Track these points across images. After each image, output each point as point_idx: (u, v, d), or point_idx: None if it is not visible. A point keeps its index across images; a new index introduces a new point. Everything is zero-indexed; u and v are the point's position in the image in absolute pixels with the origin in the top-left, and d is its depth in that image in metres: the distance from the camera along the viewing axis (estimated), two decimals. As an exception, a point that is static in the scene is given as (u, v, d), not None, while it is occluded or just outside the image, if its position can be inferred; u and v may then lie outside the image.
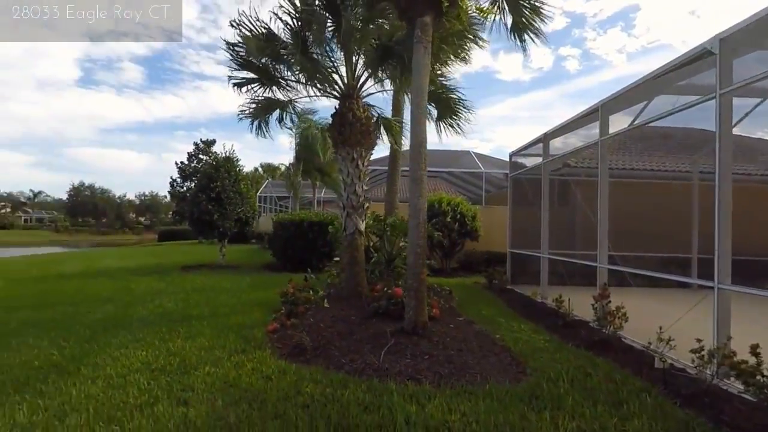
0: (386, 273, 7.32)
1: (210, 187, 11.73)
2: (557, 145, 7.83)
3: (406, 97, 9.04)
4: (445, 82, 7.43)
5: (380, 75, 7.45)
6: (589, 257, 6.14)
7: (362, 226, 6.91)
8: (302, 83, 7.64)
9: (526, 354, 4.13)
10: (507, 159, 10.02)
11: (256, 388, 3.22)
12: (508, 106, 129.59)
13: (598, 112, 5.78)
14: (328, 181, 21.62)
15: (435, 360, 3.79)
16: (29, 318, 6.09)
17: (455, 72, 7.01)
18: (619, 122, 6.03)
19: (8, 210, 74.79)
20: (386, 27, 6.85)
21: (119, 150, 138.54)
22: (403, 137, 8.29)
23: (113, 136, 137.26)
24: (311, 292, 5.60)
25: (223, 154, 13.01)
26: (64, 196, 77.69)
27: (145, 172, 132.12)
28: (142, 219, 79.95)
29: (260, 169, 54.13)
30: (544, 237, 7.49)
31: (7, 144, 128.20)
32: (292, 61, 6.94)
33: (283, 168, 33.54)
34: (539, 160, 8.05)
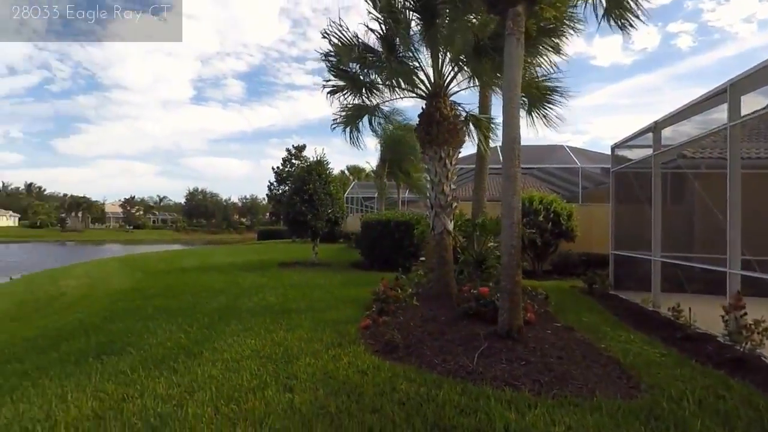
0: (475, 274, 7.15)
1: (303, 190, 12.53)
2: (667, 134, 6.94)
3: (493, 92, 8.76)
4: (537, 74, 7.04)
5: (468, 72, 7.31)
6: (714, 261, 5.34)
7: (450, 226, 6.84)
8: (389, 86, 7.80)
9: (639, 368, 3.72)
10: (604, 152, 9.19)
11: (353, 382, 3.35)
12: (605, 93, 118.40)
13: (726, 93, 5.00)
14: (411, 181, 21.80)
15: (533, 367, 3.60)
16: (161, 305, 7.08)
17: (547, 61, 6.56)
18: (750, 104, 5.15)
19: (141, 212, 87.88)
20: (474, 22, 6.69)
21: (224, 158, 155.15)
22: (491, 134, 8.02)
23: (219, 146, 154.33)
24: (400, 291, 5.67)
25: (315, 158, 13.83)
26: (182, 200, 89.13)
27: (245, 178, 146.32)
28: (243, 220, 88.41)
29: (346, 171, 56.48)
30: (656, 238, 6.69)
31: (140, 157, 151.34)
32: (381, 65, 7.12)
33: (368, 169, 34.57)
34: (647, 152, 7.21)
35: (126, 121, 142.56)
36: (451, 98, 7.36)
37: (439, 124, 6.86)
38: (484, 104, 9.68)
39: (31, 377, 3.75)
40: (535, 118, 7.36)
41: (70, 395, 3.24)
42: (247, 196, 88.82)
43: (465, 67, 7.19)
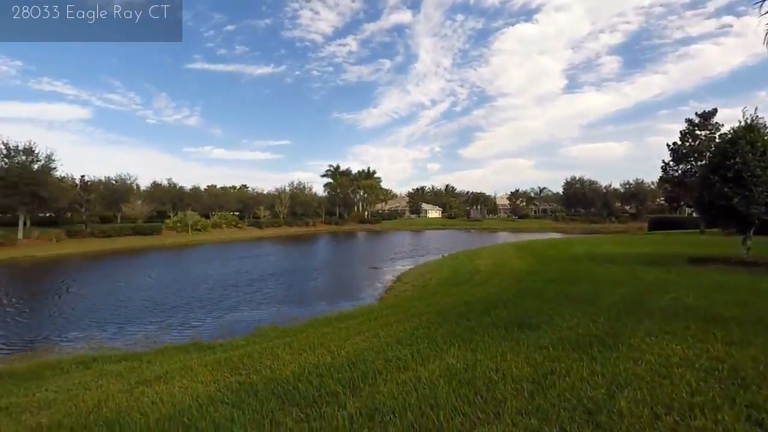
0: None
1: (725, 166, 9.72)
2: None
3: None
4: None
5: None
6: None
7: None
8: None
9: None
10: None
11: None
12: None
13: None
14: None
15: None
16: (559, 290, 7.41)
17: None
18: None
19: (524, 203, 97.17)
20: None
21: (600, 143, 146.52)
22: None
23: (593, 131, 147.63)
24: None
25: (741, 123, 10.41)
26: (560, 190, 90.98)
27: (625, 160, 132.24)
28: (627, 207, 79.86)
29: (789, 133, 39.31)
30: None
31: (520, 153, 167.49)
32: None
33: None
34: None
35: (509, 123, 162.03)
36: None
37: None
38: None
39: (478, 333, 4.81)
40: None
41: (508, 356, 3.89)
42: (630, 181, 79.07)
43: None
